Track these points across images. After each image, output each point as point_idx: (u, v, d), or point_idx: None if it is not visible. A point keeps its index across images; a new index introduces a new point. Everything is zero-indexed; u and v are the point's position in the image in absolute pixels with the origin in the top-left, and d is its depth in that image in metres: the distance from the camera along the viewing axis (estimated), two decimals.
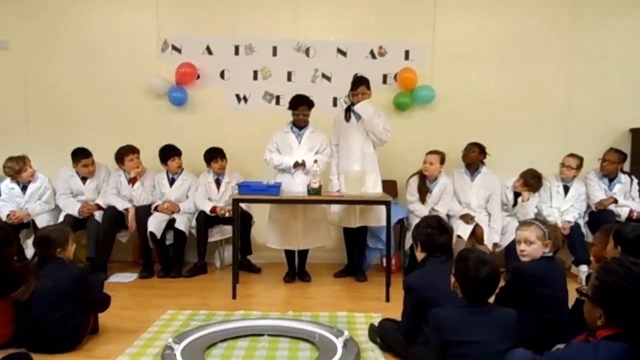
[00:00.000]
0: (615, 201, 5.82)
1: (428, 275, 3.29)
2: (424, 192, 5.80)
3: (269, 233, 5.54)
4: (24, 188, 5.68)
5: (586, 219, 5.98)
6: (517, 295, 3.03)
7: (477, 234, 5.61)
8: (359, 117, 5.46)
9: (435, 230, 3.41)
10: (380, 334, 3.65)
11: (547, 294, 3.27)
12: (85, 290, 3.63)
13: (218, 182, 5.98)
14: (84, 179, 5.83)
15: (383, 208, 5.33)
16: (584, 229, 5.85)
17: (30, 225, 5.60)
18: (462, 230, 5.52)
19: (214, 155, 5.89)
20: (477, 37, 6.34)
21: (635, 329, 2.02)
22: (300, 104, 5.37)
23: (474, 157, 5.87)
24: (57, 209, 5.78)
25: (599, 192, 5.92)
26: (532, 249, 3.40)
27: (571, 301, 3.35)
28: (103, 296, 3.88)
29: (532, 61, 6.33)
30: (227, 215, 5.73)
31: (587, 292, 2.25)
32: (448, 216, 5.81)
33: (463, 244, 5.46)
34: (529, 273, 3.28)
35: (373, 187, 5.38)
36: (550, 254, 3.44)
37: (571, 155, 5.94)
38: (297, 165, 5.34)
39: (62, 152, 5.81)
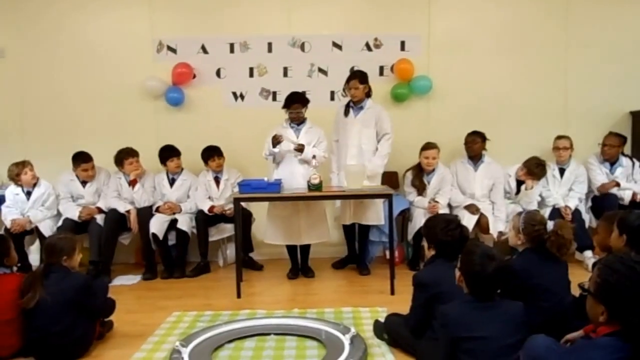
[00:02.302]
0: (618, 184, 5.81)
1: (438, 271, 3.25)
2: (421, 187, 5.81)
3: (268, 229, 5.52)
4: (28, 194, 5.68)
5: (589, 204, 5.97)
6: (513, 290, 3.02)
7: (482, 224, 5.63)
8: (357, 113, 5.47)
9: (457, 240, 3.29)
10: (388, 329, 3.63)
11: (541, 283, 3.26)
12: (89, 298, 3.61)
13: (217, 180, 5.97)
14: (83, 183, 5.82)
15: (379, 206, 5.37)
16: (588, 215, 5.86)
17: (34, 231, 5.60)
18: (467, 221, 5.49)
19: (210, 154, 5.89)
20: (472, 26, 6.34)
21: (635, 327, 2.03)
22: (292, 103, 5.34)
23: (478, 148, 5.86)
24: (59, 215, 5.76)
25: (600, 176, 5.91)
26: (510, 236, 3.62)
27: (574, 290, 3.34)
28: (108, 302, 3.88)
29: (529, 49, 6.32)
30: (225, 214, 5.75)
31: (589, 287, 2.24)
32: (450, 206, 5.84)
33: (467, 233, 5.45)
34: (517, 267, 3.26)
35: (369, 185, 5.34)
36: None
37: (560, 137, 5.96)
38: (298, 149, 5.28)
39: (61, 158, 5.79)
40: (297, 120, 5.43)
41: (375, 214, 5.44)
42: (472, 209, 5.67)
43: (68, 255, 3.63)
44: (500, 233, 5.55)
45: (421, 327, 3.28)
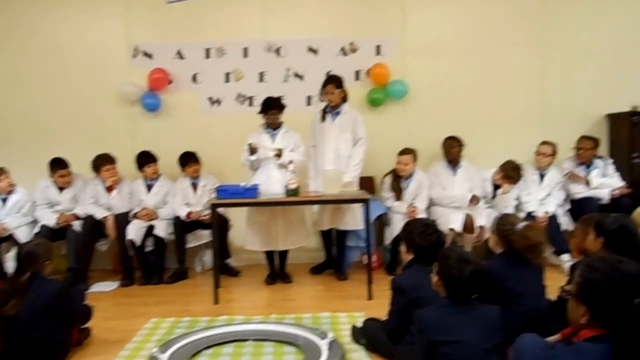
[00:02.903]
0: (587, 182, 5.88)
1: (416, 275, 3.27)
2: (398, 191, 5.85)
3: (247, 235, 5.52)
4: (4, 201, 5.64)
5: (567, 207, 6.02)
6: (489, 294, 3.05)
7: (467, 224, 5.63)
8: (334, 118, 5.50)
9: (434, 245, 3.31)
10: (366, 334, 3.66)
11: (515, 287, 3.29)
12: (67, 304, 3.61)
13: (194, 186, 5.95)
14: (60, 189, 5.78)
15: (356, 211, 5.39)
16: (565, 218, 5.90)
17: (10, 238, 5.53)
18: (454, 222, 5.56)
19: (187, 160, 5.88)
20: (447, 30, 6.39)
21: (618, 327, 2.04)
22: (269, 109, 5.36)
23: (456, 153, 5.91)
24: (35, 222, 5.71)
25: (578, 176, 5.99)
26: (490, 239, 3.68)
27: (552, 294, 3.39)
28: (85, 309, 3.88)
29: (504, 51, 6.39)
30: (203, 219, 5.73)
31: (571, 289, 2.26)
32: (431, 204, 5.91)
33: (453, 234, 5.53)
34: (492, 271, 3.26)
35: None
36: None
37: (545, 142, 5.99)
38: (277, 154, 5.31)
39: (37, 165, 5.72)
40: (274, 126, 5.45)
41: (353, 219, 5.47)
42: (474, 200, 5.70)
43: (49, 259, 3.67)
44: (482, 230, 5.60)
45: (399, 331, 3.30)
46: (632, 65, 6.46)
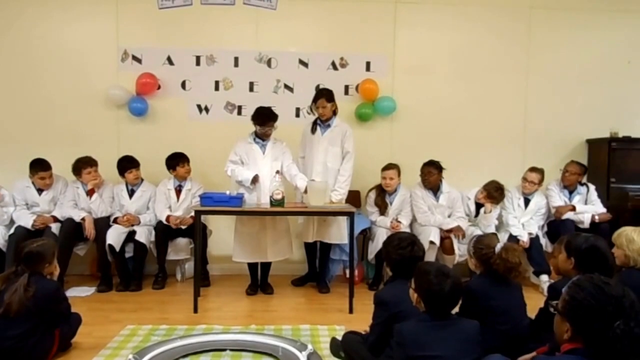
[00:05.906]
0: (573, 208, 5.89)
1: (399, 290, 3.19)
2: (383, 206, 5.84)
3: (235, 247, 5.45)
4: None
5: (545, 229, 6.05)
6: (470, 311, 3.03)
7: (445, 245, 5.64)
8: (324, 130, 5.50)
9: (407, 258, 3.26)
10: (345, 347, 3.59)
11: (498, 306, 3.28)
12: (57, 305, 3.62)
13: (178, 190, 5.85)
14: (39, 190, 5.67)
15: (342, 224, 5.39)
16: (544, 239, 5.93)
17: None
18: (434, 236, 5.54)
19: (179, 160, 5.76)
20: (436, 51, 6.45)
21: (596, 345, 2.05)
22: (268, 120, 5.30)
23: (434, 180, 5.80)
24: (11, 222, 5.60)
25: (559, 202, 5.99)
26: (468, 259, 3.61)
27: (531, 313, 3.38)
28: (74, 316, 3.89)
29: (490, 74, 6.46)
30: (181, 226, 5.65)
31: (558, 306, 2.27)
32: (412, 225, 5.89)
33: (435, 249, 5.51)
34: (475, 288, 3.29)
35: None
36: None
37: (533, 169, 5.97)
38: (254, 180, 5.26)
39: (20, 166, 5.64)
40: (267, 137, 5.41)
41: (338, 232, 5.46)
42: (458, 233, 5.73)
43: (50, 262, 3.65)
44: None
45: (380, 345, 3.26)
46: (612, 92, 6.59)
